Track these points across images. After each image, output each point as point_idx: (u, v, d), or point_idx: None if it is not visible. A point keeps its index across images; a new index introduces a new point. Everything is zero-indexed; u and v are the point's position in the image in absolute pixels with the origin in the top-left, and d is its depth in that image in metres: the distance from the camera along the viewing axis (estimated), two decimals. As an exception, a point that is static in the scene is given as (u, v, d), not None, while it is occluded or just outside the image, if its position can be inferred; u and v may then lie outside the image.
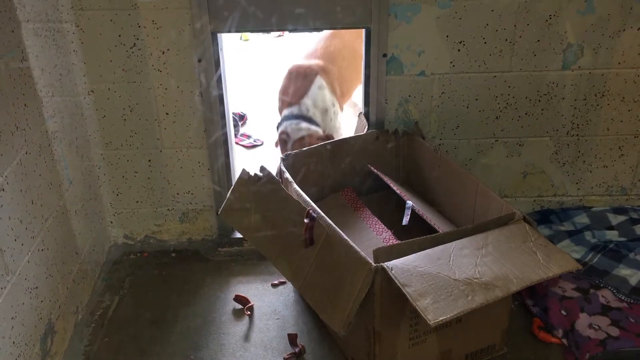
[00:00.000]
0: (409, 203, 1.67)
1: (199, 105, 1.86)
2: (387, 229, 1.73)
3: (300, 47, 2.59)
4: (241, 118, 3.23)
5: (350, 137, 1.91)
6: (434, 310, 1.20)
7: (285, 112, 2.35)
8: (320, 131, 2.29)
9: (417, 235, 1.42)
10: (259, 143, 3.04)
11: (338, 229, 1.40)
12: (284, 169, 1.73)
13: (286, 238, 1.51)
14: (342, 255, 1.37)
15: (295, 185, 1.62)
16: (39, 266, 1.48)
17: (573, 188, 2.08)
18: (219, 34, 1.79)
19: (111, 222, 2.06)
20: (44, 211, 1.54)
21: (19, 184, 1.39)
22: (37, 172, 1.50)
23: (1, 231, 1.30)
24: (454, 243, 1.39)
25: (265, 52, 4.66)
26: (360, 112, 2.00)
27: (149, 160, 1.95)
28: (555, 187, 2.08)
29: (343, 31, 2.42)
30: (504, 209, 1.52)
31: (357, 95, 2.45)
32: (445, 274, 1.29)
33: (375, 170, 1.86)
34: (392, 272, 1.27)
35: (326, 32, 2.44)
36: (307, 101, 2.32)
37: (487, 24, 1.79)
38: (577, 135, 1.98)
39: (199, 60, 1.79)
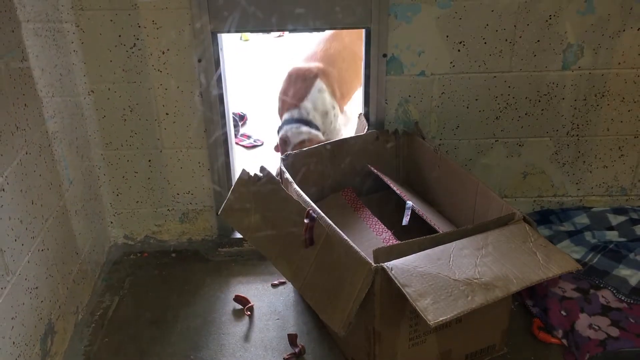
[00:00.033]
0: (409, 203, 1.67)
1: (199, 105, 1.86)
2: (387, 229, 1.73)
3: (300, 47, 2.59)
4: (241, 118, 3.23)
5: (350, 137, 1.91)
6: (434, 311, 1.20)
7: (286, 115, 2.35)
8: (320, 135, 2.29)
9: (417, 235, 1.42)
10: (259, 143, 3.04)
11: (338, 229, 1.40)
12: (284, 169, 1.73)
13: (286, 238, 1.51)
14: (342, 256, 1.37)
15: (295, 186, 1.62)
16: (39, 266, 1.49)
17: (573, 188, 2.08)
18: (219, 34, 1.79)
19: (111, 222, 2.06)
20: (44, 211, 1.54)
21: (19, 184, 1.39)
22: (37, 172, 1.50)
23: (1, 231, 1.30)
24: (454, 243, 1.39)
25: (266, 52, 4.66)
26: (360, 113, 2.00)
27: (149, 161, 1.95)
28: (555, 188, 2.08)
29: (343, 33, 2.42)
30: (504, 209, 1.52)
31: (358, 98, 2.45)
32: (445, 274, 1.29)
33: (375, 171, 1.86)
34: (392, 272, 1.27)
35: (326, 34, 2.44)
36: (307, 104, 2.31)
37: (487, 24, 1.79)
38: (577, 135, 1.98)
39: (199, 60, 1.79)
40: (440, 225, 1.64)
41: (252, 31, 3.15)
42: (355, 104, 2.53)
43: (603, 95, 1.92)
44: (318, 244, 1.44)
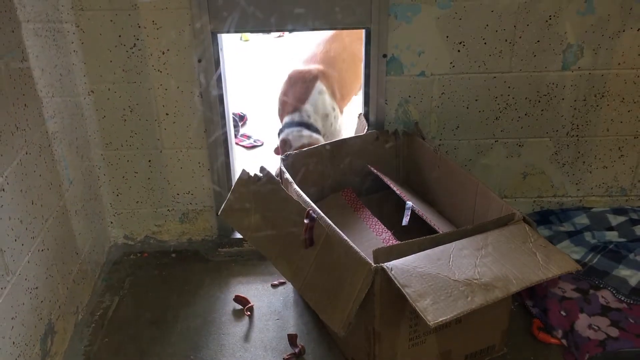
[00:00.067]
0: (409, 203, 1.67)
1: (199, 106, 1.86)
2: (387, 230, 1.73)
3: (300, 48, 2.58)
4: (241, 118, 3.23)
5: (350, 138, 1.91)
6: (434, 311, 1.20)
7: (286, 119, 2.35)
8: (321, 139, 2.29)
9: (416, 235, 1.42)
10: (259, 143, 3.04)
11: (338, 230, 1.40)
12: (284, 169, 1.73)
13: (286, 238, 1.51)
14: (342, 256, 1.37)
15: (295, 186, 1.62)
16: (39, 266, 1.49)
17: (573, 189, 2.08)
18: (218, 34, 1.80)
19: (111, 223, 2.06)
20: (44, 211, 1.54)
21: (19, 184, 1.39)
22: (37, 173, 1.50)
23: (1, 231, 1.30)
24: (453, 244, 1.39)
25: (266, 52, 4.66)
26: (360, 113, 2.00)
27: (149, 161, 1.95)
28: (555, 188, 2.08)
29: (343, 35, 2.42)
30: (504, 210, 1.52)
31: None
32: (445, 275, 1.29)
33: (375, 171, 1.86)
34: (392, 272, 1.27)
35: (325, 36, 2.44)
36: (308, 107, 2.31)
37: (487, 25, 1.79)
38: (577, 135, 1.98)
39: (199, 61, 1.79)
40: (440, 226, 1.64)
41: (251, 31, 3.16)
42: (354, 105, 2.54)
43: (603, 96, 1.92)
44: (318, 244, 1.44)
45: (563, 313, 1.65)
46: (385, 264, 1.29)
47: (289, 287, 1.89)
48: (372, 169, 1.88)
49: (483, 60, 1.85)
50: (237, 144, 2.98)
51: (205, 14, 1.73)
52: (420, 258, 1.33)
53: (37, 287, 1.47)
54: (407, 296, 1.22)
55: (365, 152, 1.90)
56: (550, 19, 1.79)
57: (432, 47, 1.82)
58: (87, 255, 1.84)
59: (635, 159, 2.03)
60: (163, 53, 1.78)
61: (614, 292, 1.71)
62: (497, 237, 1.42)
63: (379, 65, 1.83)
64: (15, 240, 1.36)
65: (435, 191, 1.87)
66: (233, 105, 2.19)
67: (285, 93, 2.40)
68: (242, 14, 1.74)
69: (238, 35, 4.83)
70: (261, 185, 1.56)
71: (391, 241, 1.68)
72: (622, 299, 1.68)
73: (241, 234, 1.66)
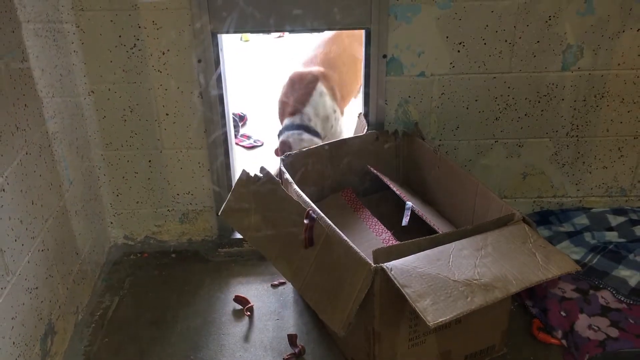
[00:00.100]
0: (409, 204, 1.67)
1: (199, 106, 1.87)
2: (386, 230, 1.73)
3: (301, 49, 2.59)
4: (241, 119, 3.23)
5: (349, 138, 1.91)
6: (434, 312, 1.20)
7: (287, 121, 2.35)
8: (321, 142, 2.29)
9: (416, 236, 1.42)
10: (259, 144, 3.04)
11: (338, 230, 1.40)
12: (283, 169, 1.73)
13: (286, 238, 1.51)
14: (341, 256, 1.37)
15: (295, 186, 1.62)
16: (39, 266, 1.49)
17: (573, 189, 2.08)
18: (218, 35, 1.80)
19: (111, 223, 2.06)
20: (44, 211, 1.54)
21: (19, 184, 1.39)
22: (37, 173, 1.50)
23: (1, 231, 1.30)
24: (453, 244, 1.39)
25: (266, 53, 4.66)
26: (360, 113, 2.00)
27: (149, 161, 1.95)
28: (554, 188, 2.08)
29: (342, 36, 2.42)
30: (504, 210, 1.52)
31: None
32: (444, 275, 1.29)
33: (374, 171, 1.87)
34: (392, 272, 1.27)
35: (325, 37, 2.44)
36: (309, 110, 2.31)
37: (487, 25, 1.79)
38: (577, 136, 1.99)
39: (199, 61, 1.79)
40: (440, 226, 1.64)
41: (251, 32, 3.16)
42: (354, 106, 2.54)
43: (603, 96, 1.92)
44: (318, 244, 1.44)
45: (563, 313, 1.65)
46: (385, 264, 1.29)
47: (288, 287, 1.89)
48: (371, 169, 1.88)
49: (483, 61, 1.85)
50: (237, 144, 2.98)
51: (205, 14, 1.73)
52: (420, 258, 1.33)
53: (37, 287, 1.47)
54: (407, 296, 1.22)
55: (365, 152, 1.91)
56: (550, 19, 1.79)
57: (432, 47, 1.82)
58: (87, 256, 1.84)
59: (635, 159, 2.03)
60: (163, 53, 1.79)
61: (613, 292, 1.71)
62: (497, 238, 1.42)
63: (379, 66, 1.84)
64: (15, 240, 1.36)
65: (435, 191, 1.87)
66: (233, 105, 2.20)
67: (285, 95, 2.40)
68: (241, 14, 1.74)
69: (238, 35, 4.83)
70: (261, 186, 1.56)
71: (391, 241, 1.68)
72: (622, 299, 1.68)
73: (241, 234, 1.66)
